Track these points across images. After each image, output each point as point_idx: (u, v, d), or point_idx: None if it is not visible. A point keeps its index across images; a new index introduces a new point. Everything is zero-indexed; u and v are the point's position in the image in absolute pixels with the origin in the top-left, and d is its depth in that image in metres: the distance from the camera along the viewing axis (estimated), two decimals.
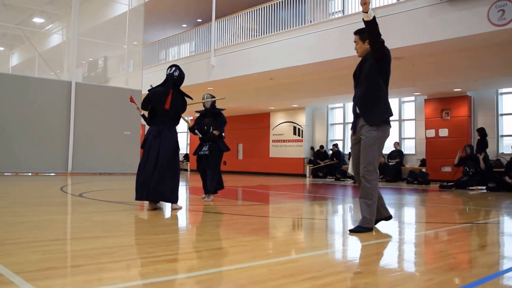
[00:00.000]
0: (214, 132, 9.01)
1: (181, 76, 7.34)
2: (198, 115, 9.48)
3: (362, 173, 5.21)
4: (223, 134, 9.19)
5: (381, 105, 5.20)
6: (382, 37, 5.06)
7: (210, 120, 9.16)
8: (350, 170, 5.61)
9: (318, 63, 16.06)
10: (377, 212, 5.39)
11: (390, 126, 5.32)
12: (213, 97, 9.30)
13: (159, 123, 7.12)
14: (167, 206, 7.55)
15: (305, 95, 20.02)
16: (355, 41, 5.47)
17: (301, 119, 23.26)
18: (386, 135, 5.26)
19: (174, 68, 7.28)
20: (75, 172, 17.94)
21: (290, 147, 23.16)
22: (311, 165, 22.37)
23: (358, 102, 5.32)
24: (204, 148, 9.07)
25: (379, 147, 5.18)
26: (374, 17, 4.96)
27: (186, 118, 8.78)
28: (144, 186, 6.86)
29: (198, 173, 9.34)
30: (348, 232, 5.20)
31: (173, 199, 7.07)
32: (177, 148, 7.17)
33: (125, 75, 21.10)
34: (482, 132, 15.50)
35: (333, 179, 20.22)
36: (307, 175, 22.38)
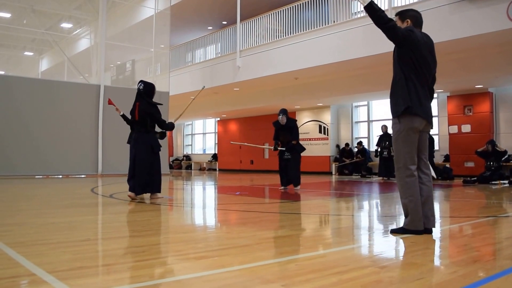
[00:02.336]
0: (292, 142, 11.53)
1: (146, 88, 8.47)
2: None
3: (395, 172, 4.97)
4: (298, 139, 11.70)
5: (401, 94, 4.76)
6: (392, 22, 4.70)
7: (286, 132, 11.54)
8: None
9: (342, 62, 16.00)
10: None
11: (419, 117, 4.73)
12: (285, 110, 11.73)
13: (135, 131, 8.49)
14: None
15: (329, 94, 19.96)
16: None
17: (326, 118, 23.19)
18: (412, 127, 4.73)
19: (139, 83, 8.53)
20: (105, 174, 18.14)
21: (316, 145, 23.13)
22: (337, 162, 22.27)
23: None
24: (286, 153, 11.61)
25: (404, 141, 4.76)
26: (371, 2, 4.63)
27: (266, 146, 12.84)
28: (129, 182, 8.42)
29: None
30: (390, 232, 4.93)
31: (154, 189, 8.47)
32: (152, 151, 8.36)
33: (153, 77, 21.18)
34: (493, 144, 15.25)
35: (359, 176, 20.12)
36: (333, 173, 22.30)
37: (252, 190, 12.07)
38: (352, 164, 21.34)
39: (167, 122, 8.64)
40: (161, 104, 8.72)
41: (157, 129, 8.74)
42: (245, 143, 12.74)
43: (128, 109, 13.93)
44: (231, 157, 28.57)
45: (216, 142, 31.00)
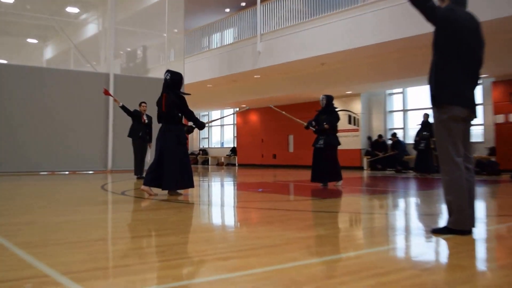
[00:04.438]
0: (325, 125, 11.66)
1: (174, 78, 8.74)
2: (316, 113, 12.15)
3: (439, 165, 4.85)
4: (336, 129, 11.99)
5: (439, 79, 4.67)
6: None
7: (326, 117, 11.76)
8: None
9: (373, 45, 15.89)
10: None
11: (461, 107, 4.63)
12: (328, 95, 12.21)
13: (162, 123, 8.76)
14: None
15: (360, 81, 19.91)
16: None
17: (357, 107, 23.13)
18: (453, 115, 4.61)
19: (166, 73, 8.79)
20: (115, 170, 18.36)
21: (345, 138, 22.89)
22: (369, 156, 22.23)
23: None
24: (320, 141, 11.72)
25: (446, 130, 4.62)
26: None
27: (300, 121, 12.32)
28: (148, 174, 8.66)
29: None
30: (431, 232, 4.85)
31: (172, 186, 8.55)
32: (178, 143, 8.59)
33: (166, 65, 21.24)
34: None
35: (394, 171, 20.04)
36: (365, 168, 22.25)
37: (276, 187, 12.16)
38: (386, 158, 21.24)
39: (199, 120, 8.97)
40: (189, 94, 9.06)
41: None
42: (284, 112, 12.90)
43: (138, 100, 13.96)
44: (252, 150, 28.64)
45: (235, 134, 31.10)
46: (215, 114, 33.77)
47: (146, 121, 13.71)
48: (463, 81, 4.70)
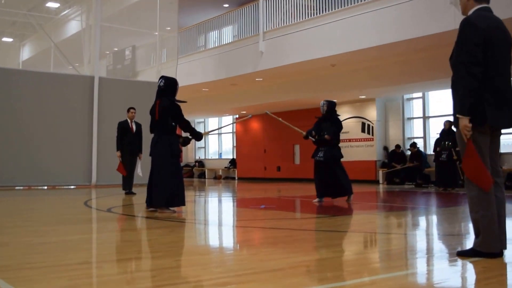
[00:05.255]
0: (325, 136, 11.43)
1: (168, 84, 9.05)
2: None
3: (464, 179, 4.82)
4: (339, 140, 11.74)
5: (462, 85, 4.57)
6: None
7: (328, 125, 11.55)
8: None
9: (390, 44, 15.75)
10: None
11: (484, 122, 4.56)
12: (330, 101, 11.94)
13: (155, 133, 9.03)
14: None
15: (375, 84, 19.81)
16: None
17: (371, 113, 23.02)
18: (481, 131, 4.57)
19: (160, 80, 9.11)
20: (100, 185, 18.20)
21: (359, 148, 22.94)
22: (385, 169, 22.05)
23: None
24: (319, 153, 11.54)
25: (472, 141, 4.51)
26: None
27: (299, 130, 12.14)
28: (148, 194, 9.03)
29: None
30: (456, 254, 4.80)
31: (161, 203, 8.70)
32: (171, 155, 8.81)
33: (157, 66, 21.23)
34: None
35: (413, 186, 19.94)
36: (380, 181, 22.08)
37: (281, 203, 12.13)
38: (404, 171, 21.11)
39: (195, 129, 9.25)
40: (185, 102, 9.25)
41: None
42: (280, 119, 12.67)
43: (126, 107, 13.88)
44: (253, 162, 28.56)
45: (235, 144, 31.08)
46: (212, 122, 33.75)
47: (135, 129, 13.70)
48: (489, 88, 4.65)
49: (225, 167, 31.23)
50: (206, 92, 24.77)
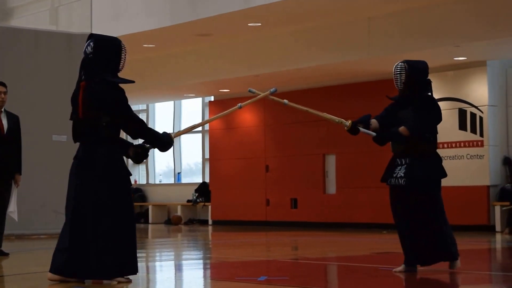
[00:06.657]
0: (400, 129, 6.80)
1: (103, 49, 5.86)
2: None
3: None
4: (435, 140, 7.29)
5: None
6: None
7: (410, 112, 6.93)
8: None
9: None
10: None
11: None
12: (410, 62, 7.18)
13: (80, 143, 5.90)
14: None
15: (482, 34, 13.48)
16: None
17: (479, 93, 15.47)
18: None
19: (88, 41, 5.97)
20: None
21: (455, 161, 15.35)
22: (507, 203, 14.72)
23: None
24: (399, 172, 6.97)
25: None
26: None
27: (334, 118, 7.35)
28: (58, 253, 6.07)
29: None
30: None
31: (101, 273, 5.83)
32: (115, 187, 5.71)
33: (50, 7, 16.95)
34: None
35: None
36: (498, 228, 14.84)
37: (299, 271, 8.31)
38: None
39: (155, 132, 6.12)
40: (133, 82, 6.15)
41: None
42: (285, 101, 7.35)
43: None
44: (244, 191, 19.25)
45: (206, 156, 21.15)
46: (166, 108, 22.88)
47: (6, 128, 9.25)
48: None
49: (188, 201, 21.42)
50: (150, 50, 18.04)
